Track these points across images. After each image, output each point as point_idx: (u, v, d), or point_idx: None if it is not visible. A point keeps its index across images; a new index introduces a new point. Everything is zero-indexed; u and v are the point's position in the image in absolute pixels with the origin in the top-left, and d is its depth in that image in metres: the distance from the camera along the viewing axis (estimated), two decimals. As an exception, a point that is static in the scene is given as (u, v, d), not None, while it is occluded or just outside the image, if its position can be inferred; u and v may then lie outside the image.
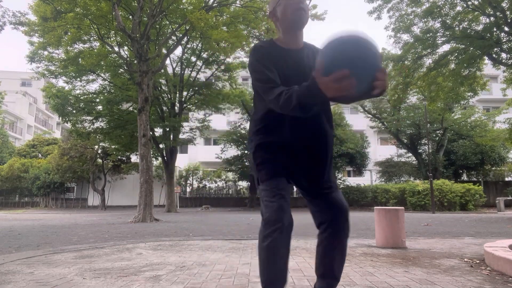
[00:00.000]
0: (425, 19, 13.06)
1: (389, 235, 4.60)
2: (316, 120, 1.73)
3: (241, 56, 19.17)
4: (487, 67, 15.42)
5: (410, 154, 24.14)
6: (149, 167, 11.33)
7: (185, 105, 19.72)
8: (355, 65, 1.32)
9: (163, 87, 19.40)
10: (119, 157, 23.15)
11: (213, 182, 25.92)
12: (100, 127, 19.04)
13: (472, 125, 22.77)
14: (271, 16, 1.82)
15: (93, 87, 26.72)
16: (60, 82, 40.18)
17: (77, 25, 13.20)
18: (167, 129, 18.71)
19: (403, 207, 4.83)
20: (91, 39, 15.37)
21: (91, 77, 17.80)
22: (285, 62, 1.70)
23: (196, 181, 26.04)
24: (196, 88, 19.43)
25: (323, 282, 1.78)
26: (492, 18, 12.15)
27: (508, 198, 18.74)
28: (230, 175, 25.42)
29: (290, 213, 1.62)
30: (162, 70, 16.77)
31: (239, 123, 23.49)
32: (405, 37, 13.79)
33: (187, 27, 13.17)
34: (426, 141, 21.88)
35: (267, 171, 1.69)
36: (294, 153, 1.73)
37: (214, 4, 13.55)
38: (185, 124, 20.97)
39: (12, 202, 26.72)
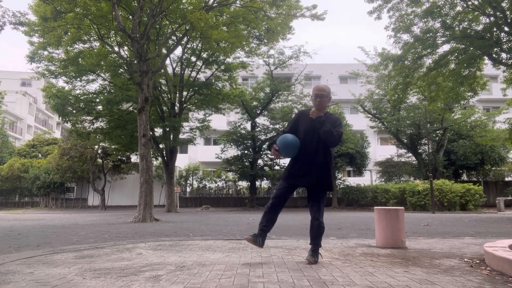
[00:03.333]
0: (425, 19, 13.04)
1: (389, 235, 4.59)
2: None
3: (241, 56, 19.15)
4: (487, 67, 15.41)
5: (410, 154, 24.11)
6: (149, 167, 11.33)
7: (185, 105, 19.70)
8: (281, 149, 3.56)
9: (163, 87, 19.38)
10: (119, 157, 23.13)
11: (213, 182, 25.90)
12: (100, 127, 19.02)
13: (472, 125, 22.75)
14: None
15: (93, 87, 26.71)
16: (60, 82, 40.12)
17: (77, 25, 13.18)
18: (167, 129, 18.69)
19: (403, 207, 4.83)
20: (91, 39, 15.35)
21: (91, 77, 17.77)
22: (307, 120, 3.65)
23: (196, 181, 26.03)
24: (196, 88, 19.39)
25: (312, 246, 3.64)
26: (492, 18, 12.15)
27: (508, 198, 18.74)
28: (230, 175, 25.40)
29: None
30: (162, 70, 16.74)
31: (239, 123, 23.47)
32: (405, 37, 13.78)
33: (187, 27, 13.15)
34: (426, 141, 21.86)
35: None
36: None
37: (214, 4, 13.53)
38: (185, 124, 20.93)
39: (12, 202, 26.70)
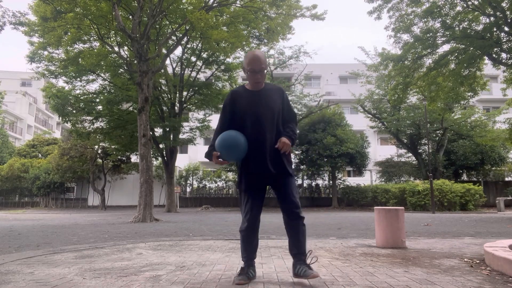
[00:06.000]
0: (425, 19, 13.05)
1: (389, 235, 4.59)
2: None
3: (241, 56, 19.16)
4: (487, 67, 15.40)
5: (410, 154, 24.11)
6: (149, 167, 11.33)
7: (185, 105, 19.70)
8: (224, 154, 2.64)
9: (163, 87, 19.38)
10: (119, 157, 23.13)
11: (213, 182, 25.89)
12: (100, 127, 19.02)
13: (472, 125, 22.74)
14: (244, 71, 2.83)
15: (93, 87, 26.82)
16: (60, 82, 40.17)
17: (77, 25, 13.19)
18: (167, 129, 18.69)
19: (403, 207, 4.82)
20: (91, 39, 15.36)
21: (91, 77, 17.79)
22: (247, 99, 2.80)
23: (196, 181, 26.03)
24: (196, 88, 19.40)
25: (295, 258, 2.74)
26: (492, 18, 12.15)
27: (508, 198, 18.73)
28: (230, 175, 25.39)
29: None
30: (162, 70, 16.75)
31: (239, 123, 23.42)
32: (405, 37, 13.79)
33: (187, 27, 13.16)
34: (426, 141, 21.86)
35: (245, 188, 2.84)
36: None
37: (214, 4, 13.54)
38: (185, 124, 20.93)
39: (12, 202, 26.70)
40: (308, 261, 2.71)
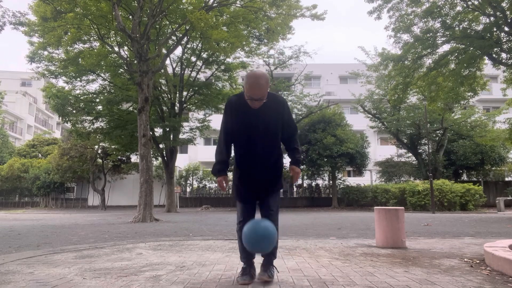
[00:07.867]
0: (425, 19, 13.05)
1: (389, 235, 4.59)
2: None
3: (241, 56, 19.17)
4: (487, 67, 15.40)
5: (410, 154, 24.11)
6: (149, 167, 11.33)
7: (185, 105, 19.70)
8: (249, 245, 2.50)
9: (163, 87, 19.38)
10: (119, 157, 23.13)
11: (213, 182, 25.88)
12: (100, 127, 19.03)
13: (472, 125, 22.74)
14: (243, 89, 2.67)
15: (93, 87, 26.80)
16: (60, 82, 40.14)
17: (77, 25, 13.19)
18: (167, 129, 18.69)
19: (403, 207, 4.82)
20: (91, 39, 15.36)
21: (91, 77, 17.78)
22: (241, 113, 2.70)
23: (196, 181, 26.02)
24: (196, 88, 19.40)
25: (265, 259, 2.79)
26: (492, 18, 12.15)
27: (508, 198, 18.73)
28: (230, 175, 25.37)
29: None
30: (162, 70, 16.74)
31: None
32: (405, 37, 13.79)
33: (187, 27, 13.16)
34: (426, 141, 21.86)
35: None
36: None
37: (214, 4, 13.54)
38: (185, 124, 20.93)
39: (12, 202, 26.70)
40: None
